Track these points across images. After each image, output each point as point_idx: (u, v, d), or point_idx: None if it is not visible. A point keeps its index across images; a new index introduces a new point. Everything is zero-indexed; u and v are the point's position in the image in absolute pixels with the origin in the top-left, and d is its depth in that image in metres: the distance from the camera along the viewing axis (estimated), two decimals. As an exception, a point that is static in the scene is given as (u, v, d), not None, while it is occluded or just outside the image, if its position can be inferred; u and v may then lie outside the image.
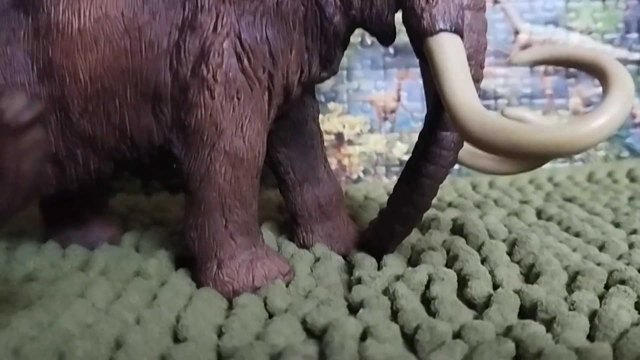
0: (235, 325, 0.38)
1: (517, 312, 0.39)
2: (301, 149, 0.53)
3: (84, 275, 0.48)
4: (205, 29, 0.43)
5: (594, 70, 0.39)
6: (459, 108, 0.37)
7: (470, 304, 0.41)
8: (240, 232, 0.46)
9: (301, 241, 0.55)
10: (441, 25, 0.40)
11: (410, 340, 0.36)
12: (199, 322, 0.39)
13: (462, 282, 0.44)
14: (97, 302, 0.43)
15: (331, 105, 0.86)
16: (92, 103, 0.45)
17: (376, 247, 0.51)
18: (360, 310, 0.39)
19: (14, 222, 0.65)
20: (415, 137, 0.47)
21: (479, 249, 0.50)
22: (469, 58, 0.41)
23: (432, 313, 0.39)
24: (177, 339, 0.38)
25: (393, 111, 0.86)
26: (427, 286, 0.43)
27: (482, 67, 0.44)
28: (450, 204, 0.69)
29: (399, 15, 0.44)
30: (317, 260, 0.51)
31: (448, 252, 0.50)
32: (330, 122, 0.86)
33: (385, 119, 0.87)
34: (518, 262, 0.48)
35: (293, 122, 0.53)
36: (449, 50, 0.39)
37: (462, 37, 0.41)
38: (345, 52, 0.51)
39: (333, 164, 0.85)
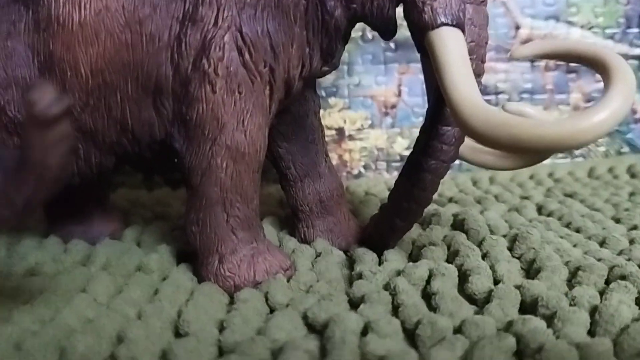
0: (236, 320, 0.38)
1: (518, 308, 0.39)
2: (302, 143, 0.53)
3: (85, 270, 0.48)
4: (206, 22, 0.43)
5: (595, 65, 0.39)
6: (460, 102, 0.37)
7: (471, 299, 0.41)
8: (242, 227, 0.46)
9: (302, 236, 0.55)
10: (442, 19, 0.40)
11: (411, 335, 0.36)
12: (201, 316, 0.39)
13: (463, 277, 0.44)
14: (99, 296, 0.43)
15: (332, 100, 0.86)
16: (93, 97, 0.45)
17: (377, 242, 0.51)
18: (361, 305, 0.39)
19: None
20: (416, 132, 0.47)
21: (479, 244, 0.50)
22: (470, 52, 0.41)
23: (432, 308, 0.39)
24: (178, 334, 0.38)
25: (394, 106, 0.86)
26: (428, 281, 0.43)
27: (483, 61, 0.44)
28: (451, 200, 0.69)
29: (400, 9, 0.44)
30: (318, 255, 0.51)
31: (449, 248, 0.50)
32: (331, 117, 0.85)
33: (386, 114, 0.86)
34: (519, 258, 0.48)
35: (294, 116, 0.53)
36: (450, 44, 0.39)
37: (463, 31, 0.41)
38: (346, 47, 0.51)
39: (334, 159, 0.85)
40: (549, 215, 0.61)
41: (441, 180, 0.46)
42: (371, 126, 0.86)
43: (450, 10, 0.40)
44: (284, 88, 0.47)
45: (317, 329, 0.37)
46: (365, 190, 0.76)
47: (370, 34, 0.85)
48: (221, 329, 0.38)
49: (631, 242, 0.50)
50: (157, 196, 0.76)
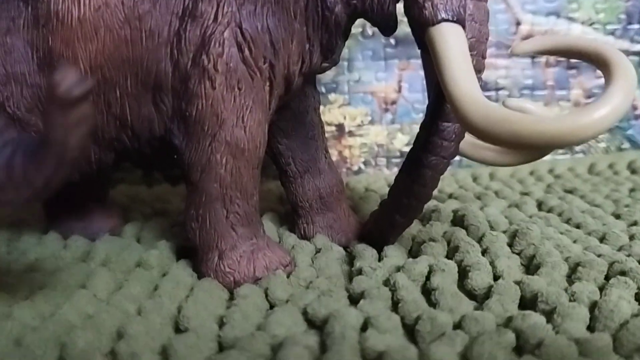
0: (236, 316, 0.38)
1: (518, 303, 0.39)
2: (302, 140, 0.53)
3: (85, 266, 0.48)
4: (205, 18, 0.43)
5: (596, 61, 0.39)
6: (461, 98, 0.37)
7: (470, 294, 0.41)
8: (242, 223, 0.46)
9: (302, 232, 0.55)
10: (443, 15, 0.40)
11: (410, 330, 0.36)
12: (200, 312, 0.39)
13: (463, 273, 0.44)
14: (99, 292, 0.43)
15: (332, 96, 0.86)
16: (93, 93, 0.45)
17: (377, 238, 0.51)
18: (361, 301, 0.39)
19: (15, 212, 0.65)
20: (416, 129, 0.47)
21: (479, 240, 0.50)
22: (471, 48, 0.41)
23: (432, 304, 0.39)
24: (178, 330, 0.39)
25: (394, 102, 0.86)
26: (428, 277, 0.43)
27: (483, 57, 0.44)
28: (451, 196, 0.69)
29: (400, 5, 0.44)
30: (318, 251, 0.51)
31: (449, 244, 0.50)
32: (331, 114, 0.85)
33: (386, 110, 0.86)
34: (519, 254, 0.48)
35: (294, 112, 0.53)
36: (451, 40, 0.39)
37: (464, 27, 0.40)
38: (346, 43, 0.51)
39: (334, 155, 0.85)
40: (549, 211, 0.61)
41: (441, 177, 0.46)
42: (371, 122, 0.86)
43: (451, 6, 0.40)
44: (283, 84, 0.46)
45: (317, 325, 0.38)
46: (365, 187, 0.76)
47: (370, 30, 0.84)
48: (221, 324, 0.38)
49: (631, 238, 0.50)
50: (157, 192, 0.76)
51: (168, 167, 0.50)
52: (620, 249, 0.48)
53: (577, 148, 0.88)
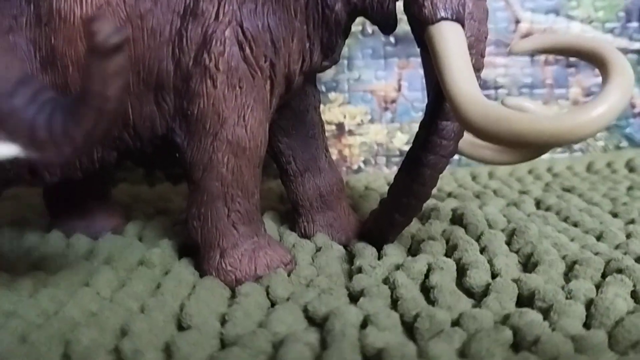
0: (238, 314, 0.39)
1: (515, 301, 0.40)
2: (302, 138, 0.53)
3: (88, 264, 0.49)
4: (207, 16, 0.43)
5: (594, 59, 0.39)
6: (460, 97, 0.37)
7: (469, 292, 0.42)
8: (243, 222, 0.46)
9: (302, 231, 0.55)
10: (442, 14, 0.40)
11: (409, 328, 0.37)
12: (203, 310, 0.40)
13: (461, 271, 0.44)
14: (102, 290, 0.44)
15: (332, 95, 0.86)
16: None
17: (377, 237, 0.51)
18: (361, 299, 0.40)
19: (19, 211, 0.65)
20: (415, 127, 0.47)
21: (478, 238, 0.51)
22: (470, 47, 0.41)
23: (431, 302, 0.40)
24: (181, 327, 0.39)
25: (394, 101, 0.86)
26: (427, 275, 0.44)
27: (483, 56, 0.44)
28: (450, 194, 0.69)
29: (400, 4, 0.44)
30: (318, 249, 0.51)
31: (447, 242, 0.50)
32: (331, 112, 0.86)
33: (385, 109, 0.87)
34: (516, 252, 0.48)
35: (294, 111, 0.53)
36: (450, 39, 0.39)
37: (463, 25, 0.41)
38: (346, 42, 0.51)
39: (334, 154, 0.85)
40: (547, 209, 0.61)
41: (440, 175, 0.46)
42: (371, 121, 0.86)
43: (450, 5, 0.40)
44: (284, 83, 0.47)
45: (318, 322, 0.38)
46: (364, 185, 0.76)
47: (370, 28, 0.85)
48: (223, 322, 0.39)
49: (628, 236, 0.51)
50: (159, 191, 0.77)
51: (170, 165, 0.50)
52: (617, 247, 0.48)
53: (576, 146, 0.89)
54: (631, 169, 0.78)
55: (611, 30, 0.87)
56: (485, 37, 0.44)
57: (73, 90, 0.45)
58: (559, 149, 0.86)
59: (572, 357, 0.32)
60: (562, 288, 0.39)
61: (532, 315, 0.36)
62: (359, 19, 0.48)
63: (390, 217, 0.49)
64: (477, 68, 0.43)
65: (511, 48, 0.47)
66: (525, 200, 0.64)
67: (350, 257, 0.50)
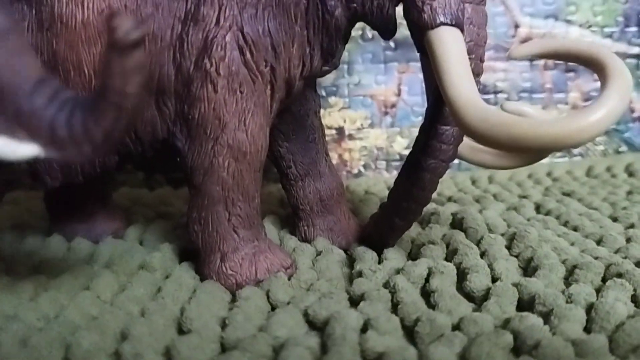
0: (238, 318, 0.39)
1: (515, 305, 0.40)
2: (303, 143, 0.54)
3: (89, 268, 0.49)
4: (208, 21, 0.44)
5: (592, 64, 0.39)
6: (460, 102, 0.37)
7: (469, 296, 0.42)
8: (243, 226, 0.46)
9: (303, 235, 0.55)
10: (442, 19, 0.40)
11: (410, 332, 0.37)
12: (203, 314, 0.40)
13: (462, 275, 0.44)
14: (102, 294, 0.44)
15: (332, 99, 0.86)
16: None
17: (377, 241, 0.51)
18: (361, 303, 0.40)
19: (19, 215, 0.65)
20: (415, 132, 0.48)
21: (478, 242, 0.51)
22: (469, 52, 0.41)
23: (431, 306, 0.40)
24: (181, 331, 0.39)
25: (394, 105, 0.87)
26: (427, 279, 0.44)
27: (482, 60, 0.44)
28: (450, 199, 0.69)
29: (399, 9, 0.44)
30: (318, 253, 0.51)
31: (448, 246, 0.50)
32: (331, 117, 0.86)
33: (385, 113, 0.87)
34: (517, 256, 0.48)
35: (295, 116, 0.53)
36: (450, 44, 0.40)
37: (462, 30, 0.41)
38: (346, 46, 0.51)
39: (334, 158, 0.85)
40: (547, 214, 0.61)
41: (440, 179, 0.46)
42: (371, 125, 0.87)
43: (449, 10, 0.40)
44: (284, 87, 0.47)
45: (318, 326, 0.38)
46: (365, 189, 0.76)
47: (370, 33, 0.85)
48: (223, 326, 0.39)
49: (628, 240, 0.51)
50: (159, 195, 0.77)
51: (170, 170, 0.50)
52: (617, 251, 0.48)
53: (575, 151, 0.89)
54: (630, 174, 0.78)
55: (610, 35, 0.88)
56: (485, 42, 0.44)
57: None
58: (558, 154, 0.86)
59: (572, 361, 0.32)
60: (563, 292, 0.39)
61: (533, 320, 0.36)
62: (359, 24, 0.48)
63: (391, 221, 0.49)
64: (477, 73, 0.43)
65: (510, 53, 0.47)
66: (525, 204, 0.64)
67: (351, 261, 0.50)
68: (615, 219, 0.58)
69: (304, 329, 0.38)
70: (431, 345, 0.34)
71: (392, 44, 0.85)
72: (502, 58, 0.86)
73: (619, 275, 0.42)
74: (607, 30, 0.87)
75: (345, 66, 0.85)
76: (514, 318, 0.36)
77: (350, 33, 0.49)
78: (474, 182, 0.78)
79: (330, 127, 0.86)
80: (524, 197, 0.69)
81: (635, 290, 0.40)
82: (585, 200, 0.65)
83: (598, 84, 0.39)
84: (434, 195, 0.49)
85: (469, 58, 0.40)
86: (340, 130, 0.87)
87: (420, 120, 0.50)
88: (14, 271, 0.49)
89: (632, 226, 0.56)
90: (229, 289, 0.45)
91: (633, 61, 0.87)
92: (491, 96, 0.87)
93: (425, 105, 0.48)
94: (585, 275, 0.42)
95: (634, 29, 0.88)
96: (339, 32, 0.46)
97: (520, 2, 0.86)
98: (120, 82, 0.29)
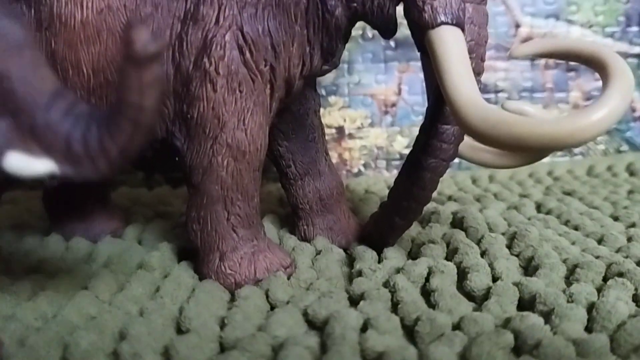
0: (237, 317, 0.39)
1: (516, 304, 0.40)
2: (302, 142, 0.54)
3: (87, 268, 0.49)
4: (207, 21, 0.43)
5: (594, 63, 0.39)
6: (460, 101, 0.37)
7: (469, 296, 0.42)
8: (242, 225, 0.46)
9: (302, 234, 0.55)
10: (442, 18, 0.40)
11: (410, 331, 0.37)
12: (202, 313, 0.40)
13: (462, 274, 0.44)
14: (101, 294, 0.44)
15: (332, 98, 0.86)
16: (95, 96, 0.45)
17: (377, 240, 0.51)
18: (361, 302, 0.40)
19: (18, 214, 0.65)
20: (416, 131, 0.47)
21: (478, 242, 0.50)
22: (470, 51, 0.41)
23: (432, 305, 0.40)
24: (180, 331, 0.39)
25: (394, 105, 0.87)
26: (427, 279, 0.44)
27: (483, 60, 0.44)
28: (450, 198, 0.69)
29: (400, 8, 0.44)
30: (318, 253, 0.51)
31: (448, 245, 0.50)
32: (331, 116, 0.86)
33: (386, 112, 0.87)
34: (517, 255, 0.48)
35: (294, 115, 0.53)
36: (450, 43, 0.39)
37: (463, 30, 0.41)
38: (346, 46, 0.51)
39: (334, 157, 0.85)
40: (547, 213, 0.61)
41: (441, 179, 0.46)
42: (371, 125, 0.87)
43: (450, 9, 0.40)
44: (284, 87, 0.47)
45: (318, 326, 0.38)
46: (365, 189, 0.76)
47: (370, 32, 0.85)
48: (222, 325, 0.38)
49: (629, 239, 0.51)
50: (158, 194, 0.77)
51: (169, 169, 0.50)
52: (618, 250, 0.48)
53: (576, 150, 0.89)
54: (632, 173, 0.78)
55: (611, 35, 0.87)
56: (486, 41, 0.44)
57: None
58: (559, 153, 0.86)
59: (573, 361, 0.31)
60: (564, 291, 0.39)
61: (533, 319, 0.35)
62: (359, 23, 0.48)
63: (391, 220, 0.49)
64: (478, 72, 0.43)
65: (511, 52, 0.47)
66: (525, 203, 0.64)
67: (351, 260, 0.50)
68: (616, 218, 0.58)
69: (303, 328, 0.38)
70: (431, 344, 0.34)
71: (392, 43, 0.85)
72: (503, 57, 0.86)
73: (620, 274, 0.41)
74: (608, 30, 0.87)
75: (346, 65, 0.85)
76: (515, 317, 0.36)
77: (350, 32, 0.49)
78: (474, 181, 0.78)
79: (330, 126, 0.86)
80: (525, 196, 0.69)
81: (636, 289, 0.40)
82: (586, 200, 0.65)
83: (599, 83, 0.39)
84: (434, 194, 0.49)
85: (470, 57, 0.40)
86: (340, 130, 0.86)
87: (420, 119, 0.50)
88: (12, 270, 0.49)
89: (633, 225, 0.55)
90: (228, 288, 0.45)
91: (634, 61, 0.87)
92: (492, 95, 0.87)
93: (426, 104, 0.47)
94: (586, 274, 0.42)
95: (635, 28, 0.87)
96: (339, 31, 0.46)
97: (521, 1, 0.86)
98: (137, 96, 0.28)
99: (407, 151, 0.50)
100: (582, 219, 0.57)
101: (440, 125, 0.44)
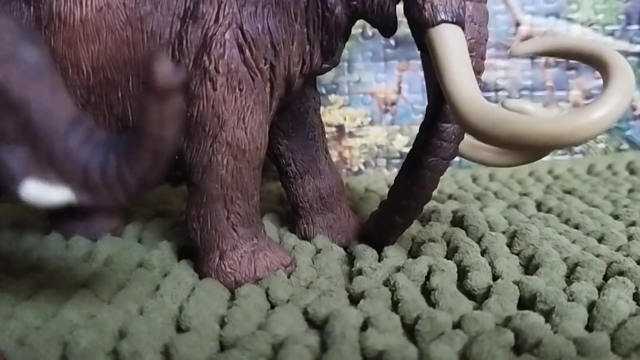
0: (237, 316, 0.38)
1: (517, 303, 0.40)
2: (302, 140, 0.53)
3: (87, 266, 0.49)
4: (207, 19, 0.43)
5: (594, 62, 0.39)
6: (460, 99, 0.37)
7: (470, 294, 0.42)
8: (242, 224, 0.46)
9: (302, 233, 0.55)
10: (442, 16, 0.40)
11: (410, 330, 0.37)
12: (202, 312, 0.39)
13: (462, 273, 0.44)
14: (101, 292, 0.44)
15: (332, 97, 0.86)
16: (94, 94, 0.45)
17: (377, 239, 0.51)
18: (361, 301, 0.40)
19: (18, 213, 0.65)
20: (415, 130, 0.47)
21: (479, 240, 0.50)
22: (470, 49, 0.41)
23: (432, 304, 0.40)
24: (180, 329, 0.39)
25: (394, 103, 0.86)
26: (428, 277, 0.44)
27: (483, 58, 0.44)
28: (450, 196, 0.69)
29: (400, 7, 0.44)
30: (318, 251, 0.51)
31: (448, 244, 0.50)
32: (331, 114, 0.86)
33: (386, 111, 0.87)
34: (518, 254, 0.48)
35: (294, 114, 0.53)
36: (450, 42, 0.39)
37: (463, 28, 0.41)
38: (346, 44, 0.51)
39: (334, 156, 0.85)
40: (548, 211, 0.61)
41: (441, 177, 0.46)
42: (371, 123, 0.87)
43: (450, 8, 0.40)
44: (284, 85, 0.47)
45: (318, 324, 0.38)
46: (365, 187, 0.76)
47: (370, 31, 0.85)
48: (222, 324, 0.38)
49: (630, 238, 0.50)
50: (158, 193, 0.76)
51: (169, 168, 0.50)
52: (618, 249, 0.48)
53: (576, 149, 0.89)
54: (632, 171, 0.78)
55: (611, 33, 0.87)
56: (486, 40, 0.44)
57: (72, 94, 0.45)
58: (559, 151, 0.86)
59: (574, 360, 0.31)
60: (564, 290, 0.39)
61: (534, 318, 0.35)
62: (359, 22, 0.48)
63: (391, 219, 0.49)
64: (478, 70, 0.43)
65: (511, 50, 0.47)
66: (526, 202, 0.64)
67: (351, 259, 0.50)
68: (616, 217, 0.58)
69: (303, 327, 0.38)
70: (432, 343, 0.34)
71: (392, 41, 0.85)
72: (503, 56, 0.86)
73: (621, 273, 0.41)
74: (608, 28, 0.87)
75: (346, 64, 0.85)
76: (515, 316, 0.36)
77: (350, 31, 0.49)
78: (474, 179, 0.78)
79: (330, 125, 0.85)
80: (525, 194, 0.68)
81: (637, 288, 0.40)
82: (586, 198, 0.65)
83: (599, 81, 0.39)
84: (435, 192, 0.49)
85: (470, 56, 0.40)
86: (340, 128, 0.86)
87: (420, 118, 0.50)
88: (12, 269, 0.49)
89: (633, 224, 0.55)
90: (228, 287, 0.45)
91: (635, 59, 0.87)
92: (492, 94, 0.87)
93: (426, 102, 0.47)
94: (586, 273, 0.42)
95: (635, 27, 0.87)
96: (339, 29, 0.46)
97: (521, 0, 0.86)
98: (158, 128, 0.28)
99: (407, 150, 0.50)
100: (583, 217, 0.57)
101: (440, 124, 0.44)
